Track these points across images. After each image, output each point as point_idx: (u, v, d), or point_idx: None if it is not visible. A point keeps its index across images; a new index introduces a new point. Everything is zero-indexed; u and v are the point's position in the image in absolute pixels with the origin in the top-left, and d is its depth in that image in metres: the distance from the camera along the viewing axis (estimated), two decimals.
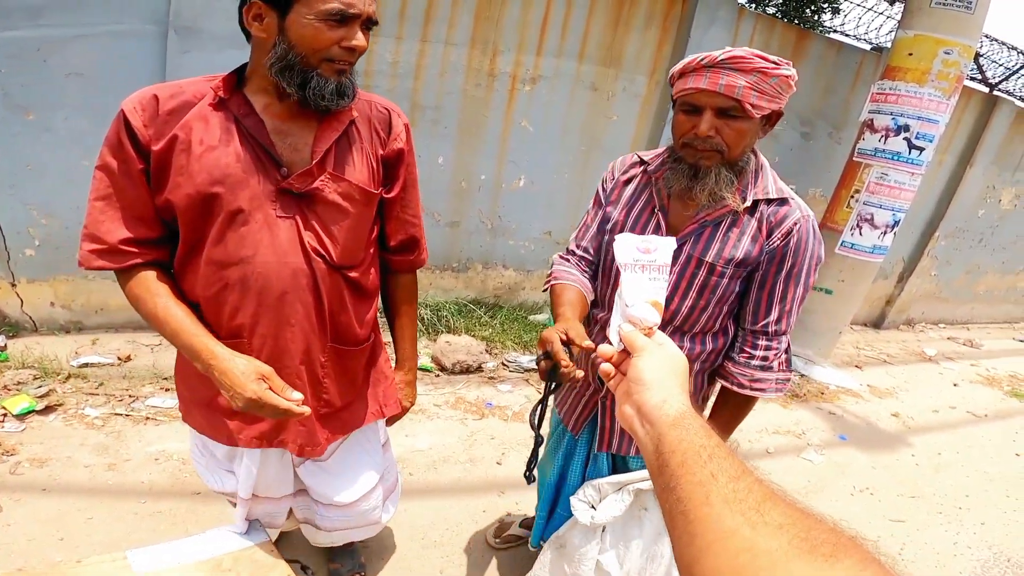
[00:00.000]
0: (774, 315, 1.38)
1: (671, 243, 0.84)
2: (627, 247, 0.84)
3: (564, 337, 1.18)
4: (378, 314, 1.53)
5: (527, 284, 4.23)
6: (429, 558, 2.12)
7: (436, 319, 3.78)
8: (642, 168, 1.45)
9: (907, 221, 4.67)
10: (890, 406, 4.16)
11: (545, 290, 1.49)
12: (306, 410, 1.11)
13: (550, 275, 1.49)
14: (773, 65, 1.17)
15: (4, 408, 2.49)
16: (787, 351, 1.45)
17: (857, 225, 4.01)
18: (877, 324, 6.10)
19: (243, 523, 1.48)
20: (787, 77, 1.20)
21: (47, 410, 2.55)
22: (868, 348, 5.41)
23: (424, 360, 3.47)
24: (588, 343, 1.16)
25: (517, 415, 3.13)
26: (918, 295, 6.12)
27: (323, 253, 1.23)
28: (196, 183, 1.12)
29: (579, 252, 1.52)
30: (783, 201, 1.34)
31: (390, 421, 1.65)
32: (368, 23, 1.12)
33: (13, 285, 3.10)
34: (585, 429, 1.62)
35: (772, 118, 1.27)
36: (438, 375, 3.42)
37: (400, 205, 1.39)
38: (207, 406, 1.33)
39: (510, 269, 4.14)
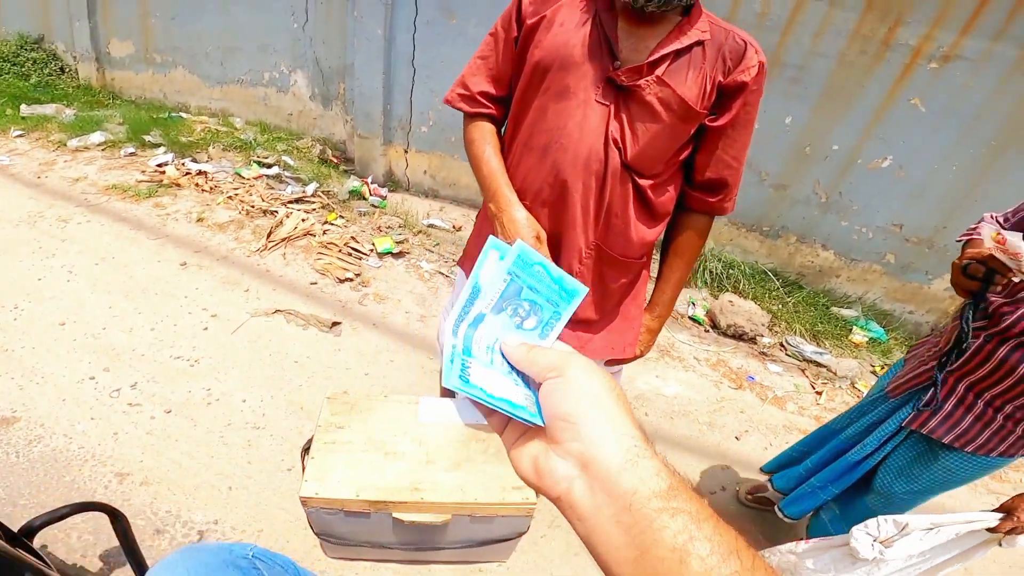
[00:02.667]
0: None
1: None
2: None
3: (998, 235, 1.19)
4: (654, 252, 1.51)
5: (844, 273, 3.65)
6: None
7: (724, 276, 3.61)
8: None
9: None
10: None
11: (959, 241, 1.48)
12: None
13: (972, 228, 1.45)
14: None
15: (374, 245, 3.44)
16: None
17: None
18: None
19: None
20: None
21: (399, 254, 3.43)
22: None
23: (698, 311, 3.42)
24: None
25: (777, 400, 2.90)
26: None
27: (621, 146, 1.25)
28: (543, 55, 1.25)
29: (1006, 225, 1.40)
30: None
31: (611, 362, 1.57)
32: None
33: (406, 152, 4.15)
34: (906, 398, 1.50)
35: None
36: (708, 331, 3.33)
37: (723, 140, 1.31)
38: None
39: (830, 251, 3.61)
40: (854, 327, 3.45)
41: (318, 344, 2.71)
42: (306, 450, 1.63)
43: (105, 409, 2.24)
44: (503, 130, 1.45)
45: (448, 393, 1.86)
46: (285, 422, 2.30)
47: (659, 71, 1.20)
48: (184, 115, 4.99)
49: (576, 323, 1.47)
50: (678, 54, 1.20)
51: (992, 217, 1.46)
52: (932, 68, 3.01)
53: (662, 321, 1.57)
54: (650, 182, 1.31)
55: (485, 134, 1.39)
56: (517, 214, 1.27)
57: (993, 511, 1.36)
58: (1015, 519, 1.29)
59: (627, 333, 1.52)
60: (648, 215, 1.37)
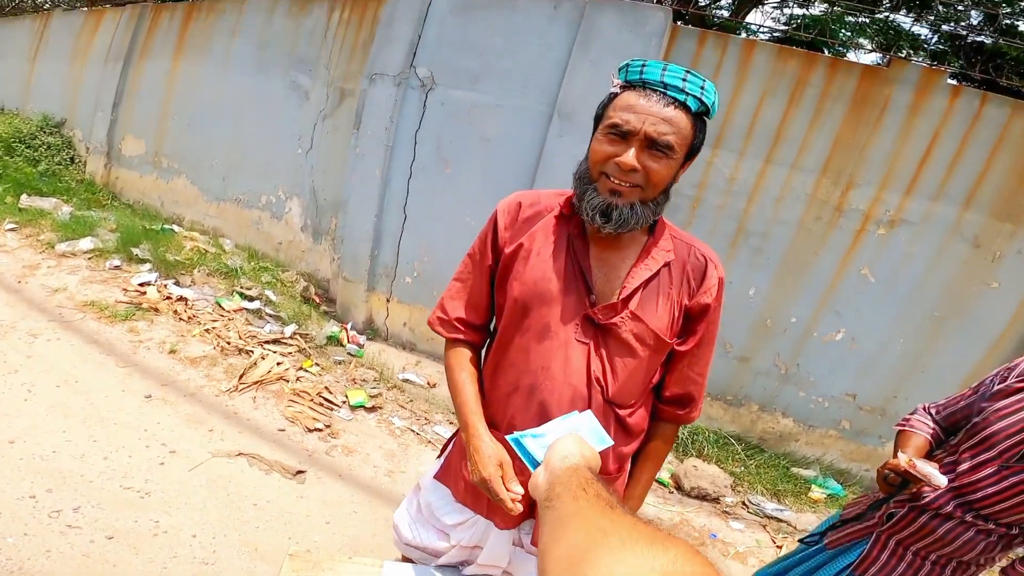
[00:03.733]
0: None
1: None
2: None
3: (910, 461, 1.40)
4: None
5: (803, 438, 3.77)
6: None
7: (690, 441, 3.70)
8: None
9: None
10: None
11: (896, 429, 1.70)
12: (518, 508, 1.21)
13: (906, 419, 1.69)
14: None
15: (347, 397, 3.44)
16: None
17: None
18: None
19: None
20: None
21: (372, 408, 3.42)
22: None
23: (663, 475, 3.46)
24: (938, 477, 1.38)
25: (739, 555, 2.96)
26: None
27: (602, 384, 1.28)
28: (522, 290, 1.27)
29: (936, 417, 1.67)
30: None
31: None
32: (656, 145, 1.10)
33: (388, 301, 4.21)
34: (845, 549, 1.69)
35: None
36: (672, 492, 3.38)
37: (688, 360, 1.37)
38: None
39: (789, 419, 3.75)
40: (813, 485, 3.56)
41: (280, 490, 2.65)
42: None
43: (41, 527, 2.17)
44: (485, 353, 1.48)
45: (407, 561, 1.82)
46: (238, 562, 2.23)
47: (632, 305, 1.25)
48: (177, 228, 5.11)
49: None
50: (647, 282, 1.25)
51: (925, 409, 1.70)
52: (879, 234, 3.34)
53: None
54: (629, 411, 1.36)
55: (461, 361, 1.42)
56: (482, 445, 1.30)
57: None
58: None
59: None
60: (626, 435, 1.42)
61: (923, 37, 6.91)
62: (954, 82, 3.27)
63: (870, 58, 7.60)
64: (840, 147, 3.30)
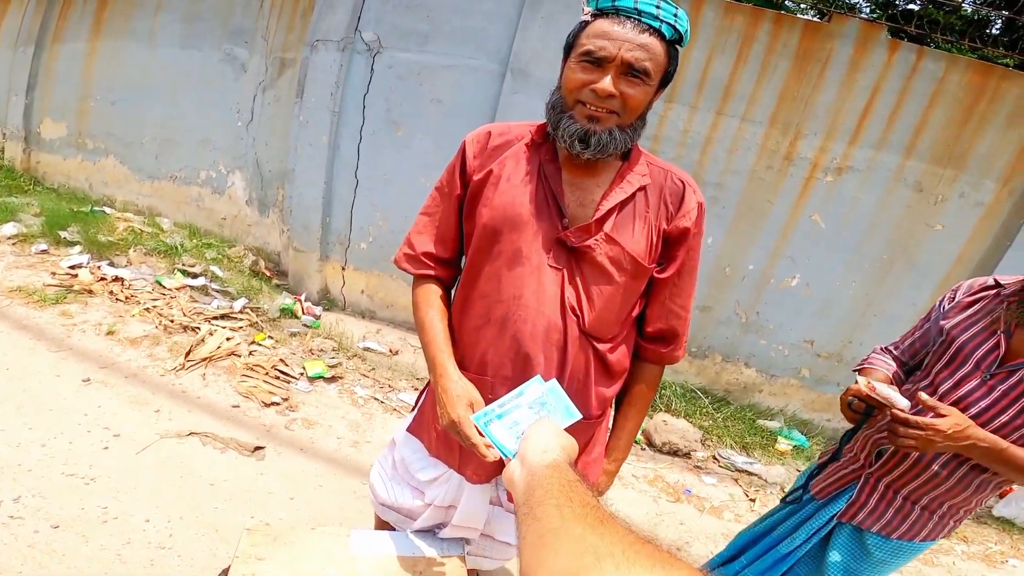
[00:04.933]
0: None
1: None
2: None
3: (869, 384, 1.39)
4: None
5: (766, 388, 3.88)
6: None
7: (658, 396, 3.75)
8: (994, 290, 1.48)
9: None
10: None
11: (855, 371, 1.69)
12: (489, 455, 1.13)
13: (864, 360, 1.70)
14: None
15: (304, 369, 3.32)
16: None
17: None
18: None
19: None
20: None
21: (332, 379, 3.31)
22: None
23: None
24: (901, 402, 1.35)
25: (714, 509, 3.00)
26: None
27: (578, 313, 1.23)
28: (492, 215, 1.23)
29: (895, 352, 1.68)
30: None
31: None
32: (632, 71, 1.09)
33: (343, 269, 4.10)
34: (833, 498, 1.66)
35: None
36: (644, 449, 3.41)
37: (670, 290, 1.33)
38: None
39: (752, 369, 3.84)
40: (779, 437, 3.65)
41: (238, 468, 2.53)
42: None
43: None
44: (454, 291, 1.41)
45: (382, 524, 1.75)
46: (197, 544, 2.14)
47: (607, 227, 1.21)
48: (108, 210, 4.84)
49: None
50: (623, 205, 1.22)
51: (883, 349, 1.70)
52: (828, 181, 3.43)
53: (619, 464, 1.56)
54: (608, 346, 1.30)
55: (429, 297, 1.36)
56: (450, 384, 1.23)
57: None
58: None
59: (592, 469, 1.52)
60: (607, 376, 1.35)
61: (858, 5, 7.15)
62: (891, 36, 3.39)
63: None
64: (786, 100, 3.37)
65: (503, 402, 1.03)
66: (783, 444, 3.60)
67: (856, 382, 1.47)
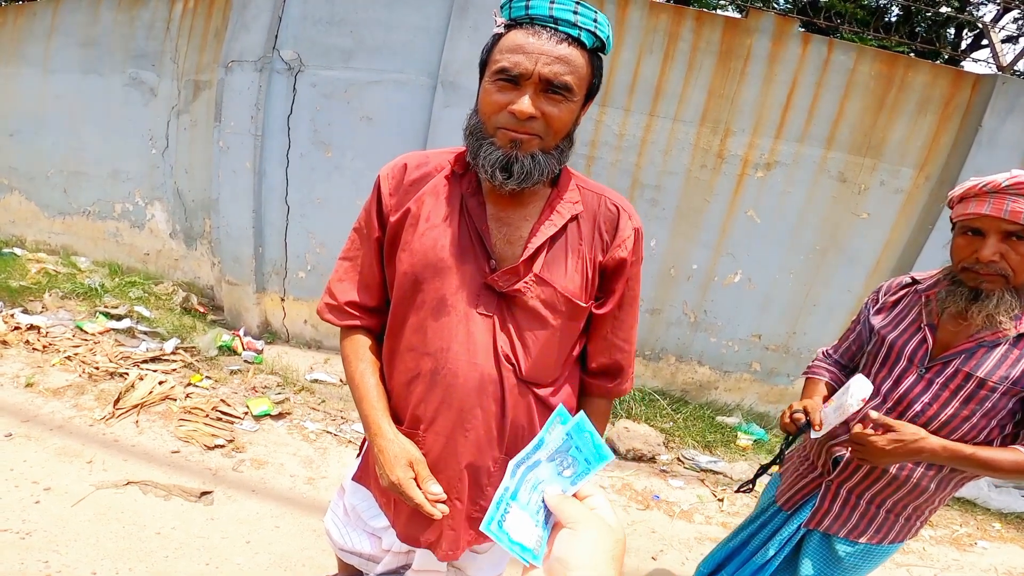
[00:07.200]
0: None
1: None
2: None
3: (806, 409, 1.48)
4: None
5: (721, 384, 4.04)
6: None
7: (618, 403, 3.84)
8: (912, 288, 1.56)
9: None
10: None
11: (804, 375, 1.81)
12: (436, 512, 1.09)
13: (810, 367, 1.81)
14: None
15: (248, 408, 3.23)
16: None
17: None
18: None
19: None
20: None
21: (279, 416, 3.22)
22: None
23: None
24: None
25: (684, 513, 3.04)
26: None
27: (513, 362, 1.17)
28: (412, 262, 1.15)
29: (835, 356, 1.78)
30: None
31: None
32: (552, 87, 1.01)
33: (283, 299, 3.99)
34: (800, 507, 1.72)
35: None
36: None
37: (611, 324, 1.27)
38: None
39: (705, 367, 4.00)
40: (738, 432, 3.79)
41: (185, 515, 2.44)
42: None
43: None
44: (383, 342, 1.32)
45: (346, 567, 1.71)
46: None
47: (536, 267, 1.14)
48: (18, 251, 4.57)
49: None
50: (553, 239, 1.15)
51: (825, 353, 1.82)
52: (759, 177, 3.61)
53: None
54: (550, 390, 1.24)
55: (358, 350, 1.28)
56: (387, 444, 1.17)
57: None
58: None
59: None
60: None
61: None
62: (804, 30, 3.62)
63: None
64: (714, 97, 3.53)
65: (513, 469, 0.72)
66: (743, 440, 3.73)
67: (812, 377, 1.64)
